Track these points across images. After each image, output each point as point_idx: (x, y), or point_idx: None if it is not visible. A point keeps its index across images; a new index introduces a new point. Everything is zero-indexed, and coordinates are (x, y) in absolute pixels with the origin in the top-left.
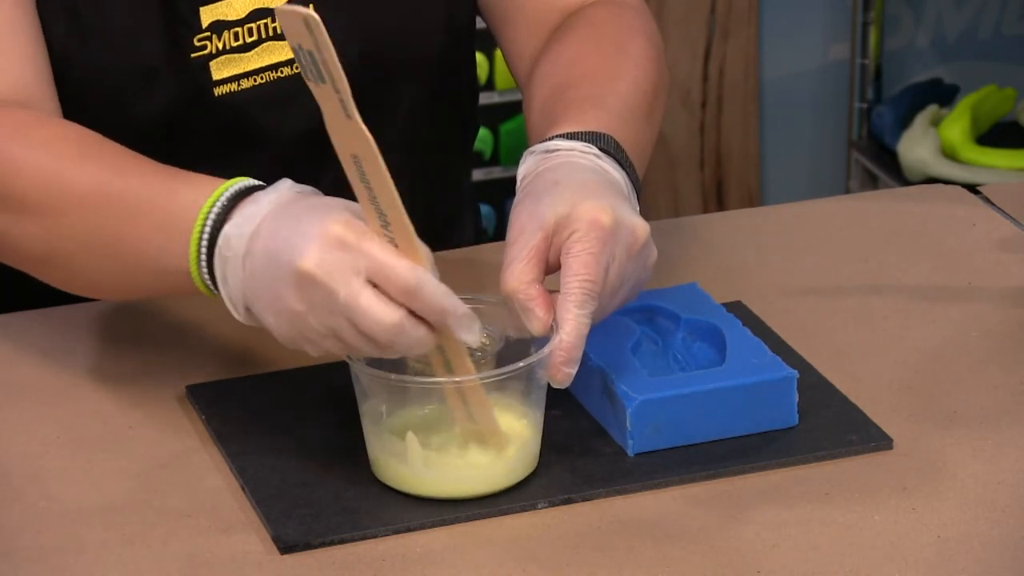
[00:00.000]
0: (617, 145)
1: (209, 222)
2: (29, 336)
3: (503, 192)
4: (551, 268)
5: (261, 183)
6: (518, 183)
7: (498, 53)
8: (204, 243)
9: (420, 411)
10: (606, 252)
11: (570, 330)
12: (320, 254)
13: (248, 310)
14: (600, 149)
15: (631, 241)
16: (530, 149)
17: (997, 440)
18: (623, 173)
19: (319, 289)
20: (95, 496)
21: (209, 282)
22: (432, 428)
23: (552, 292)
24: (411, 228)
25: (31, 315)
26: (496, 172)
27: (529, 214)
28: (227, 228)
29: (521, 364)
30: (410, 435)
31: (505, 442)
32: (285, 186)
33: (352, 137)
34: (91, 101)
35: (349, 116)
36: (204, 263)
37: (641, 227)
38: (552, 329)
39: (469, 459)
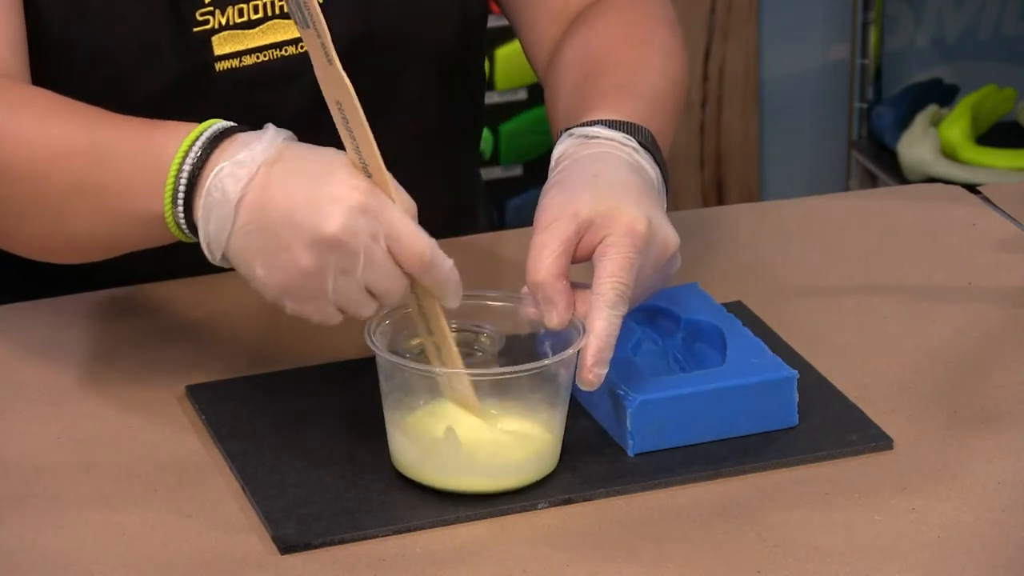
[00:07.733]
0: (654, 140)
1: (188, 161)
2: (29, 334)
3: (503, 192)
4: (574, 261)
5: (237, 125)
6: (552, 163)
7: (499, 53)
8: (183, 181)
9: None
10: (639, 259)
11: (601, 331)
12: (346, 219)
13: (225, 256)
14: (639, 143)
15: (660, 253)
16: (568, 131)
17: (997, 440)
18: (657, 171)
19: (341, 252)
20: (95, 496)
21: (183, 222)
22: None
23: (574, 286)
24: (390, 178)
25: (30, 307)
26: (496, 172)
27: (564, 202)
28: (219, 171)
29: (560, 356)
30: (449, 428)
31: (481, 410)
32: (270, 133)
33: (334, 83)
34: (93, 78)
35: (331, 62)
36: (181, 202)
37: (672, 240)
38: (573, 326)
39: (503, 457)
